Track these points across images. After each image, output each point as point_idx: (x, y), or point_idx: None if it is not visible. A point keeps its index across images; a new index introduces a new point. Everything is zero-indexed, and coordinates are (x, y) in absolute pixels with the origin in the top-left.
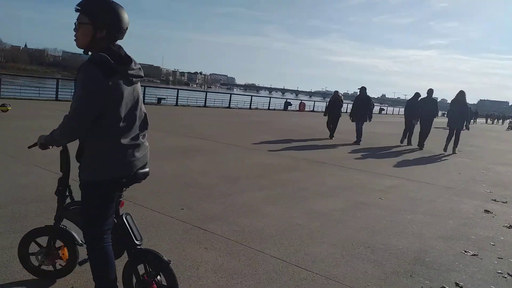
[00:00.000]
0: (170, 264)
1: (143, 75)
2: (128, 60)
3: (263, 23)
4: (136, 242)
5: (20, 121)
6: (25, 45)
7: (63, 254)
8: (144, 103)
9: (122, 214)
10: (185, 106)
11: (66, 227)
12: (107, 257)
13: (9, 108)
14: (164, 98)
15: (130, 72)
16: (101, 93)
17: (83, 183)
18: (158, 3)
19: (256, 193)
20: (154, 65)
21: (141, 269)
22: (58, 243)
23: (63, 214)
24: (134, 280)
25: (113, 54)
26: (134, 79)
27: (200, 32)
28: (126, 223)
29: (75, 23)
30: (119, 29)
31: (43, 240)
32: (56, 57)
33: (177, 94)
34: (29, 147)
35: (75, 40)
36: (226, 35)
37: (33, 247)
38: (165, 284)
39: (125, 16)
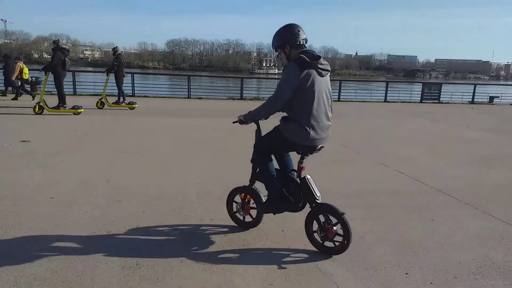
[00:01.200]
0: (344, 215)
1: (329, 69)
2: (317, 57)
3: None
4: (316, 197)
5: (371, 119)
6: (356, 53)
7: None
8: (473, 103)
9: (304, 177)
10: None
11: (256, 188)
12: (272, 166)
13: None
14: (498, 96)
15: (320, 66)
16: (296, 81)
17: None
18: None
19: None
20: (483, 60)
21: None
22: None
23: (256, 177)
24: (315, 227)
25: (307, 55)
26: (323, 72)
27: None
28: (308, 183)
29: (277, 55)
30: (295, 42)
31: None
32: (381, 61)
33: None
34: (233, 122)
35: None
36: None
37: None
38: (340, 233)
39: (296, 31)
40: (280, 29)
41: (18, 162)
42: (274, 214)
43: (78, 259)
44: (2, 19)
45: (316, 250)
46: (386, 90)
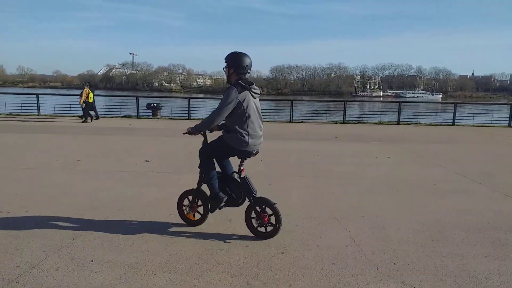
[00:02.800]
0: (275, 205)
1: (259, 93)
2: (251, 83)
3: None
4: (254, 192)
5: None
6: (472, 73)
7: (199, 210)
8: None
9: (244, 176)
10: None
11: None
12: (213, 168)
13: None
14: None
15: (253, 88)
16: (235, 99)
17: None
18: None
19: None
20: None
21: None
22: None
23: (203, 181)
24: (253, 216)
25: (243, 81)
26: (255, 94)
27: None
28: (247, 182)
29: (223, 68)
30: (239, 70)
31: None
32: (503, 81)
33: None
34: (183, 134)
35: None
36: None
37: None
38: (273, 222)
39: (247, 59)
40: (235, 53)
41: (141, 180)
42: (212, 211)
43: (194, 274)
44: (130, 53)
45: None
46: (511, 114)
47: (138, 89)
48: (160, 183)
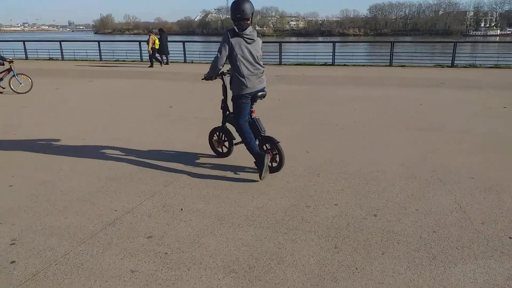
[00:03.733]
0: (279, 142)
1: (254, 39)
2: (245, 27)
3: None
4: (262, 132)
5: None
6: None
7: (226, 143)
8: None
9: (254, 117)
10: None
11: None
12: (248, 133)
13: None
14: None
15: (246, 33)
16: (228, 45)
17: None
18: None
19: None
20: None
21: None
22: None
23: (226, 120)
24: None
25: (238, 26)
26: (249, 40)
27: None
28: (256, 122)
29: None
30: (236, 15)
31: None
32: None
33: None
34: (201, 79)
35: None
36: None
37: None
38: (278, 158)
39: (244, 5)
40: (233, 2)
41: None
42: (260, 176)
43: (279, 231)
44: None
45: None
46: None
47: None
48: None
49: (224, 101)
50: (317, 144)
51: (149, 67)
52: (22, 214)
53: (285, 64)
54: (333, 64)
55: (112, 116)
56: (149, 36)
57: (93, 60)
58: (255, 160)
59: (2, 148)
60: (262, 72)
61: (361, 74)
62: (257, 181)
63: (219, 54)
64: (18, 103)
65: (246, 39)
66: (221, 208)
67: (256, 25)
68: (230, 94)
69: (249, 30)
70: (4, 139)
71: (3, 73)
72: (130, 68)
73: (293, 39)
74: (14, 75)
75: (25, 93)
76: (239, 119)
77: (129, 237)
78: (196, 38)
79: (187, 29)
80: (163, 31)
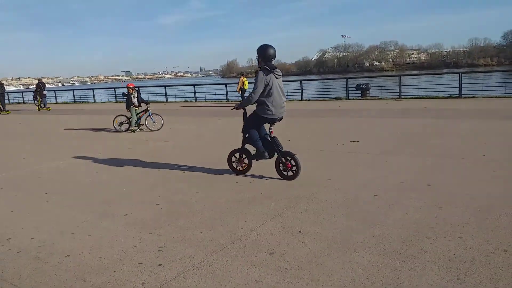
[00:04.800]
0: (295, 155)
1: (281, 74)
2: (274, 67)
3: None
4: (279, 148)
5: None
6: None
7: (245, 161)
8: None
9: (273, 136)
10: None
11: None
12: (256, 136)
13: None
14: None
15: (275, 71)
16: (262, 80)
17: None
18: None
19: None
20: None
21: None
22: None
23: (245, 142)
24: (280, 166)
25: (269, 65)
26: (277, 76)
27: None
28: (276, 140)
29: (256, 57)
30: (266, 58)
31: None
32: None
33: None
34: (231, 109)
35: None
36: None
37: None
38: (295, 168)
39: (271, 50)
40: (262, 46)
41: (348, 160)
42: (257, 160)
43: (396, 259)
44: (342, 35)
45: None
46: None
47: (349, 71)
48: (367, 164)
49: (244, 127)
50: (440, 177)
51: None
52: (166, 227)
53: (405, 98)
54: (459, 96)
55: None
56: (240, 78)
57: (221, 101)
58: (255, 152)
59: (150, 173)
60: (284, 102)
61: (493, 106)
62: (375, 211)
63: (257, 90)
64: (160, 138)
65: (276, 75)
66: (337, 233)
67: (374, 60)
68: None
69: (277, 68)
70: (152, 166)
71: (141, 113)
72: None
73: (414, 72)
74: (149, 115)
75: (157, 130)
76: (251, 127)
77: (253, 251)
78: (312, 76)
79: (304, 68)
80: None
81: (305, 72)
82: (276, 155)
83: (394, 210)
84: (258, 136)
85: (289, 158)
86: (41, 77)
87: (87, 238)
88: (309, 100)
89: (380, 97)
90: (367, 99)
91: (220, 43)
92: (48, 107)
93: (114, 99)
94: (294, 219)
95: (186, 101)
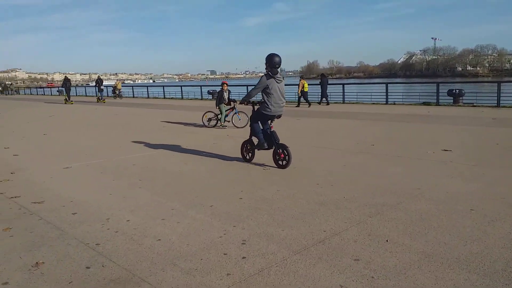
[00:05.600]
0: (288, 148)
1: (282, 80)
2: (276, 73)
3: None
4: (276, 140)
5: None
6: None
7: (251, 151)
8: None
9: (272, 131)
10: None
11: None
12: (257, 129)
13: None
14: None
15: (276, 77)
16: (264, 84)
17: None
18: None
19: None
20: None
21: None
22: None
23: (252, 134)
24: (276, 156)
25: (272, 71)
26: (278, 80)
27: None
28: (273, 134)
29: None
30: (272, 65)
31: None
32: None
33: None
34: (239, 103)
35: None
36: None
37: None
38: (287, 157)
39: (276, 58)
40: (269, 54)
41: (439, 169)
42: (258, 150)
43: (499, 281)
44: (432, 38)
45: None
46: None
47: (439, 75)
48: (462, 175)
49: (251, 120)
50: None
51: (296, 106)
52: (249, 222)
53: (504, 106)
54: None
55: (319, 149)
56: (300, 80)
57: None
58: (257, 143)
59: (232, 168)
60: (283, 103)
61: None
62: (472, 227)
63: (255, 89)
64: (242, 135)
65: (277, 80)
66: (429, 246)
67: (467, 65)
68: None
69: (279, 74)
70: (234, 161)
71: (228, 111)
72: (333, 109)
73: None
74: (235, 113)
75: (242, 127)
76: (254, 121)
77: (337, 256)
78: (398, 79)
79: (389, 71)
80: (324, 76)
81: (390, 75)
82: (274, 148)
83: (495, 227)
84: (260, 129)
85: (283, 150)
86: (134, 73)
87: (176, 225)
88: (394, 103)
89: (475, 104)
90: (460, 105)
91: (301, 44)
92: (104, 100)
93: (200, 96)
94: (381, 227)
95: None
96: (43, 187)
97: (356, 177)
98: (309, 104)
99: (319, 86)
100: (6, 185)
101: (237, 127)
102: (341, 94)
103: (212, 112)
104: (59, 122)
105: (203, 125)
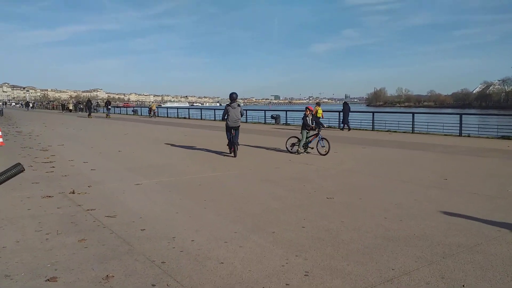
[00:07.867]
0: (238, 145)
1: (236, 107)
2: (233, 102)
3: None
4: (234, 141)
5: None
6: None
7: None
8: None
9: (233, 135)
10: None
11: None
12: (228, 136)
13: None
14: None
15: (232, 104)
16: (226, 109)
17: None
18: None
19: None
20: None
21: None
22: None
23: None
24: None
25: (230, 101)
26: (233, 105)
27: None
28: (234, 137)
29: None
30: (229, 97)
31: None
32: None
33: None
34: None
35: None
36: None
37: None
38: (235, 149)
39: (232, 95)
40: (231, 93)
41: None
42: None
43: None
44: None
45: None
46: None
47: None
48: None
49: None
50: None
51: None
52: (312, 252)
53: None
54: None
55: (388, 181)
56: (315, 106)
57: (366, 130)
58: (227, 143)
59: (295, 193)
60: (237, 120)
61: None
62: None
63: (223, 113)
64: (312, 162)
65: (232, 106)
66: None
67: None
68: None
69: (235, 103)
70: (297, 187)
71: (312, 137)
72: (403, 138)
73: None
74: (320, 139)
75: (324, 154)
76: (226, 131)
77: None
78: (472, 110)
79: (463, 101)
80: (346, 104)
81: (464, 105)
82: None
83: None
84: (229, 136)
85: (235, 146)
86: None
87: (239, 249)
88: (469, 136)
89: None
90: None
91: (368, 71)
92: (109, 116)
93: (263, 121)
94: (456, 270)
95: (330, 127)
96: (116, 202)
97: (428, 212)
98: (314, 129)
99: (341, 113)
100: (84, 198)
101: (320, 154)
102: (411, 123)
103: (296, 137)
104: (133, 139)
105: (287, 151)
